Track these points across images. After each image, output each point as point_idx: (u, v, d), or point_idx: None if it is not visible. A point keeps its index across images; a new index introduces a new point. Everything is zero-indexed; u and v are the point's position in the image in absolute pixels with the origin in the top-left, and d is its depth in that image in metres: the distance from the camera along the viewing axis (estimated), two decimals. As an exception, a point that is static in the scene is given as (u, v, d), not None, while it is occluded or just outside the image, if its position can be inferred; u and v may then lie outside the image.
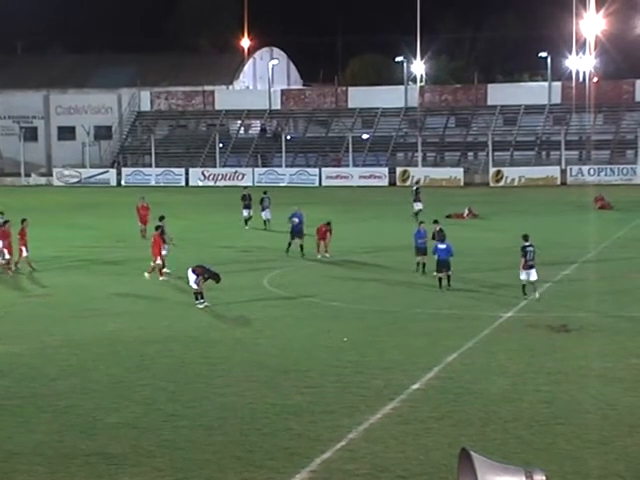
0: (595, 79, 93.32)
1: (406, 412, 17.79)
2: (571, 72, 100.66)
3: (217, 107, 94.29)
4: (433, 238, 33.11)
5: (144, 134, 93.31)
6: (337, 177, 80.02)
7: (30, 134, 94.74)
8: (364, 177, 79.43)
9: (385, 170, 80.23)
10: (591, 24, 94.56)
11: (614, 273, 33.43)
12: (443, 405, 18.11)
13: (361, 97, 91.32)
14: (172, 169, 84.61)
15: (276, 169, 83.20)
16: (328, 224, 38.17)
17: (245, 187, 55.94)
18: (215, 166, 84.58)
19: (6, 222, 36.55)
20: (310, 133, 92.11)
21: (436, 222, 34.68)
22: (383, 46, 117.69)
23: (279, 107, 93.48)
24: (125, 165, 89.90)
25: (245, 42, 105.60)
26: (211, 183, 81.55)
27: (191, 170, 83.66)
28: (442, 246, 30.91)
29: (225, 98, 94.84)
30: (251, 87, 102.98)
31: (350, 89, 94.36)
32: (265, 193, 49.07)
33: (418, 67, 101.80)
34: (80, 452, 15.95)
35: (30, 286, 33.17)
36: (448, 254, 30.58)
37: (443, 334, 24.11)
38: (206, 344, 23.43)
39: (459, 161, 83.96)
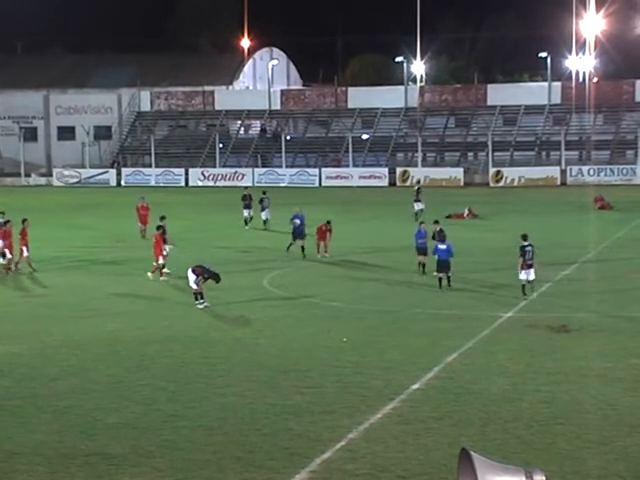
0: (595, 79, 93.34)
1: (406, 412, 17.78)
2: (571, 72, 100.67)
3: (217, 107, 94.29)
4: (433, 238, 33.09)
5: (144, 134, 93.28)
6: (337, 177, 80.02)
7: (30, 134, 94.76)
8: (364, 177, 79.43)
9: (385, 170, 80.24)
10: (591, 24, 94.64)
11: (614, 273, 33.43)
12: (443, 405, 18.11)
13: (361, 97, 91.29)
14: (172, 169, 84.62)
15: (276, 169, 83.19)
16: (328, 223, 38.16)
17: (246, 187, 56.04)
18: (215, 166, 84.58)
19: (7, 222, 36.56)
20: (310, 133, 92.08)
21: (436, 222, 34.65)
22: (383, 46, 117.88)
23: (279, 107, 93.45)
24: (125, 165, 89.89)
25: (245, 42, 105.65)
26: (211, 183, 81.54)
27: (191, 170, 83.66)
28: (442, 246, 30.91)
29: (225, 98, 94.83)
30: (251, 87, 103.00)
31: (350, 89, 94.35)
32: (264, 193, 49.07)
33: (418, 67, 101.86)
34: (80, 452, 15.94)
35: (30, 286, 33.18)
36: (448, 254, 30.58)
37: (443, 334, 24.11)
38: (206, 344, 23.42)
39: (459, 161, 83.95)
